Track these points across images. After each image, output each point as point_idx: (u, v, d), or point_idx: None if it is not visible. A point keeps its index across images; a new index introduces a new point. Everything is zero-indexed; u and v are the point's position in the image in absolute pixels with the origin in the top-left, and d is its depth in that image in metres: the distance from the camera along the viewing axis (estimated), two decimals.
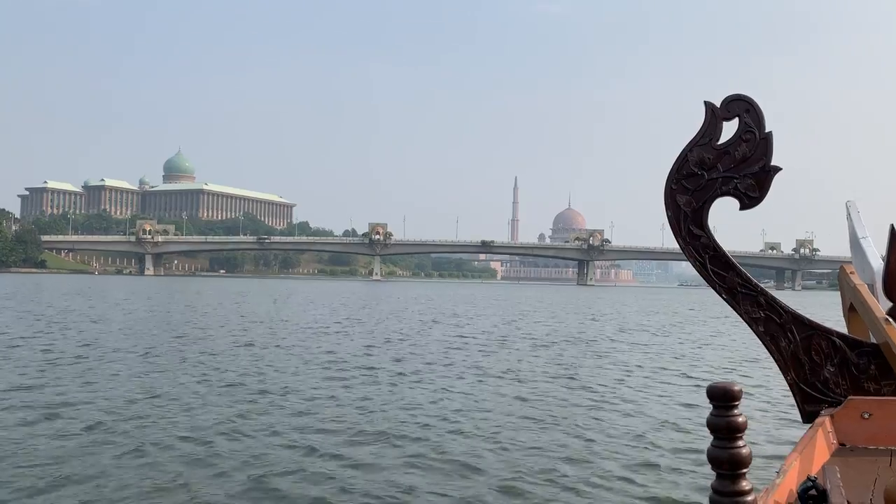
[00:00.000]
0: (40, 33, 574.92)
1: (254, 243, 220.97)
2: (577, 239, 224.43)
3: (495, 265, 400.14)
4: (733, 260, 3.73)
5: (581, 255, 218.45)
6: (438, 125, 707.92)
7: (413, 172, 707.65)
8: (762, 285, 3.74)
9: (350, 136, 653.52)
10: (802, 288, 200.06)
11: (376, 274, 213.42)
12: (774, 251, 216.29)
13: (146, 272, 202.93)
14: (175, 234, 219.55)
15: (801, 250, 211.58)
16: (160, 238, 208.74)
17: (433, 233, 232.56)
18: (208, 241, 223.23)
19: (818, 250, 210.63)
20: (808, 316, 3.79)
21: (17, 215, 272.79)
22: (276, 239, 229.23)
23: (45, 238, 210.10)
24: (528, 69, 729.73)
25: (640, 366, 20.52)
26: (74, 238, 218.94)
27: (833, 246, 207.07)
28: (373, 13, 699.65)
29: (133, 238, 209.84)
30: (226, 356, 20.21)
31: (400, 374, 17.58)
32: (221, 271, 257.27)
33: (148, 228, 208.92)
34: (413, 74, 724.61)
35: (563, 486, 8.37)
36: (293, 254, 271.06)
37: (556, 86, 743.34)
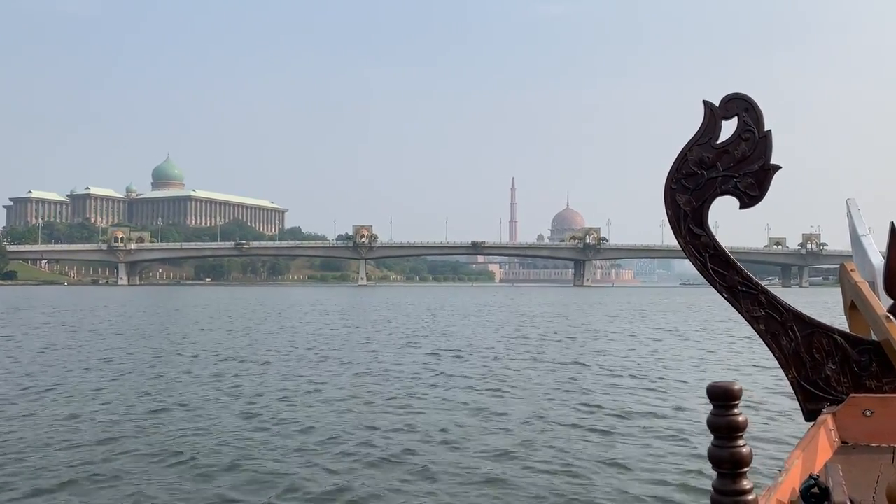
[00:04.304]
0: (26, 40, 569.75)
1: (232, 249, 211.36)
2: (573, 238, 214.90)
3: (493, 268, 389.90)
4: (734, 258, 3.73)
5: (577, 254, 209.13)
6: (432, 127, 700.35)
7: (408, 175, 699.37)
8: (767, 282, 3.72)
9: (344, 139, 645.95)
10: (810, 285, 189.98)
11: (362, 279, 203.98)
12: (780, 247, 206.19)
13: (120, 282, 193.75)
14: (151, 241, 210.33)
15: (808, 245, 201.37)
16: (133, 246, 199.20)
17: (428, 236, 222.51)
18: (183, 247, 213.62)
19: (826, 245, 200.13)
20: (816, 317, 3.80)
21: (3, 226, 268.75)
22: (255, 244, 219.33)
23: (13, 248, 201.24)
24: (524, 69, 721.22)
25: (637, 367, 19.78)
26: (42, 247, 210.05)
27: (841, 240, 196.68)
28: (365, 16, 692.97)
29: (105, 246, 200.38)
30: None
31: None
32: (207, 280, 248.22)
33: (119, 235, 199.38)
34: (407, 76, 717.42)
35: (561, 486, 8.38)
36: (283, 260, 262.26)
37: (551, 85, 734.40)
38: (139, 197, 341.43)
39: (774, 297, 3.71)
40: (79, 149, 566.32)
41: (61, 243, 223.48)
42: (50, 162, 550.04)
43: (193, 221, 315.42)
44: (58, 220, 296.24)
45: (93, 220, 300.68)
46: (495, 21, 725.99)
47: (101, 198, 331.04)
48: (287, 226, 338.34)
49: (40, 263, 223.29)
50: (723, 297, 3.75)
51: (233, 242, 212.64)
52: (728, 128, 3.53)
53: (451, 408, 13.42)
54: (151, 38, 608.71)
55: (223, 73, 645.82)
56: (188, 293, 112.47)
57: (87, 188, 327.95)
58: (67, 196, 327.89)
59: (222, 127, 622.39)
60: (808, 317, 3.72)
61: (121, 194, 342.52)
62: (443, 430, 11.38)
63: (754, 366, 19.79)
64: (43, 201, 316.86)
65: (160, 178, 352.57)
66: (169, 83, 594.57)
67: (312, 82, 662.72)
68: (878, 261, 4.62)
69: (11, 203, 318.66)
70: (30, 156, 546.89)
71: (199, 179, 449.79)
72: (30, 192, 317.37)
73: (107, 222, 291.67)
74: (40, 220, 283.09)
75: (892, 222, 3.74)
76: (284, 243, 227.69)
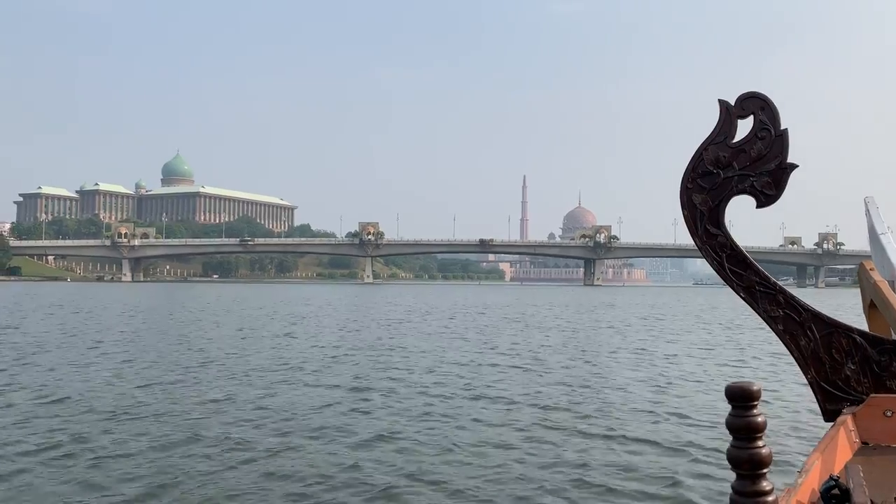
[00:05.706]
0: (37, 38, 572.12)
1: (237, 246, 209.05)
2: (584, 236, 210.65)
3: (504, 266, 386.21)
4: (751, 258, 3.70)
5: (587, 252, 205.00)
6: (443, 125, 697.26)
7: (418, 172, 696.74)
8: (782, 283, 3.74)
9: (355, 137, 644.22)
10: (826, 285, 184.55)
11: (368, 276, 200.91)
12: (795, 246, 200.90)
13: (123, 278, 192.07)
14: (157, 238, 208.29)
15: (824, 245, 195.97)
16: (137, 242, 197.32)
17: (437, 233, 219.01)
18: (188, 244, 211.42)
19: (842, 244, 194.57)
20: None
21: (13, 222, 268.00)
22: (261, 241, 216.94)
23: (16, 243, 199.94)
24: (537, 69, 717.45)
25: (654, 364, 19.81)
26: (46, 243, 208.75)
27: (859, 240, 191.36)
28: (378, 14, 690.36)
29: (108, 242, 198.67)
30: None
31: None
32: (214, 276, 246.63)
33: (123, 231, 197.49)
34: (419, 76, 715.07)
35: (579, 487, 8.28)
36: (291, 257, 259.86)
37: (563, 84, 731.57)
38: (148, 193, 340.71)
39: (793, 297, 3.64)
40: (89, 145, 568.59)
41: (69, 239, 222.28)
42: (60, 158, 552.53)
43: (202, 218, 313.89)
44: (67, 216, 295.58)
45: (101, 216, 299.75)
46: (509, 19, 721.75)
47: (110, 194, 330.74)
48: (297, 223, 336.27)
49: (46, 259, 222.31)
50: (740, 296, 3.69)
51: (238, 239, 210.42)
52: (744, 127, 3.47)
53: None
54: (162, 34, 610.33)
55: (234, 70, 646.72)
56: (182, 291, 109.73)
57: (97, 184, 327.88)
58: (77, 192, 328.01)
59: (233, 124, 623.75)
60: (826, 316, 3.64)
61: (130, 191, 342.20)
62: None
63: (773, 365, 19.41)
64: (52, 197, 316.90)
65: (169, 174, 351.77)
66: (179, 80, 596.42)
67: (324, 80, 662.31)
68: None
69: (21, 199, 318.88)
70: (40, 152, 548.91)
71: (208, 176, 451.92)
72: (39, 188, 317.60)
73: (115, 218, 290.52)
74: (49, 215, 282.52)
75: None
76: (289, 240, 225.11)
